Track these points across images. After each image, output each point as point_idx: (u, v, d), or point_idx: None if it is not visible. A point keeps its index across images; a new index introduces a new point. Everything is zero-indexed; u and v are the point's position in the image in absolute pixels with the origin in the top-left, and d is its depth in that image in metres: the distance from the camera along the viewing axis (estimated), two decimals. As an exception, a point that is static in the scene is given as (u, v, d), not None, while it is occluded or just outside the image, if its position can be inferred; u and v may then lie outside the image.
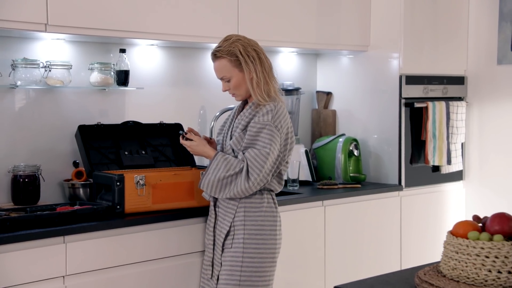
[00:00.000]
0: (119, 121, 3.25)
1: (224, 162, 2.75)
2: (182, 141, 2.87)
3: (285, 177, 3.01)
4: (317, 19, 3.76)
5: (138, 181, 2.83)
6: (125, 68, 3.24)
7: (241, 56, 2.78)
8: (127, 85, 3.26)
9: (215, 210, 2.86)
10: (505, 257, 1.55)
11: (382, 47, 3.94)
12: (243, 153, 2.75)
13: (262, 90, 2.80)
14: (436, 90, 4.05)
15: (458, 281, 1.60)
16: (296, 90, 3.98)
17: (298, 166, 3.73)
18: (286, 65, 4.11)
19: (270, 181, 2.81)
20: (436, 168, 4.05)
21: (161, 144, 3.26)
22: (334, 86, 4.21)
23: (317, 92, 4.25)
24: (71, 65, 3.06)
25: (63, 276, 2.56)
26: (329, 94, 4.22)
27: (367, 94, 4.03)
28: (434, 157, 3.94)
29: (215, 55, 2.83)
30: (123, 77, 3.25)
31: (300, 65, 4.19)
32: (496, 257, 1.55)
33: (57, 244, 2.53)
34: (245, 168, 2.71)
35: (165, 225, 2.86)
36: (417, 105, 3.90)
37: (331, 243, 3.52)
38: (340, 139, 3.95)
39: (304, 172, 3.89)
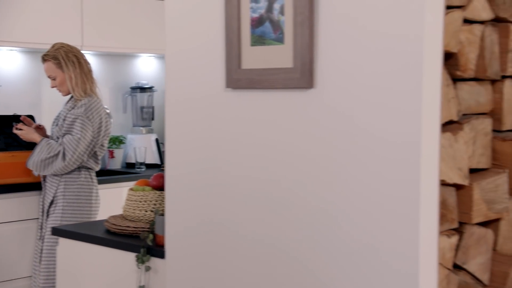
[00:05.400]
0: (-20, 113, 3.95)
1: (46, 146, 3.45)
2: (14, 130, 3.58)
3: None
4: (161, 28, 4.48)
5: (-21, 161, 3.54)
6: (-15, 70, 3.95)
7: (63, 60, 3.49)
8: (-12, 83, 3.97)
9: (44, 184, 3.57)
10: (150, 201, 2.27)
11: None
12: (62, 139, 3.46)
13: (79, 88, 3.50)
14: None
15: (127, 219, 2.33)
16: (150, 88, 4.70)
17: (144, 152, 4.45)
18: (146, 67, 4.82)
19: (87, 160, 3.51)
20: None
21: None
22: (189, 85, 4.93)
23: (175, 89, 4.97)
24: None
25: None
26: (184, 91, 4.94)
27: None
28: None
29: (43, 59, 3.54)
30: (-17, 77, 3.95)
31: (160, 67, 4.90)
32: (145, 201, 2.28)
33: None
34: (62, 151, 3.42)
35: (3, 197, 3.57)
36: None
37: (165, 215, 4.24)
38: (187, 130, 4.67)
39: (154, 156, 4.61)
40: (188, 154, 1.99)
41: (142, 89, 4.68)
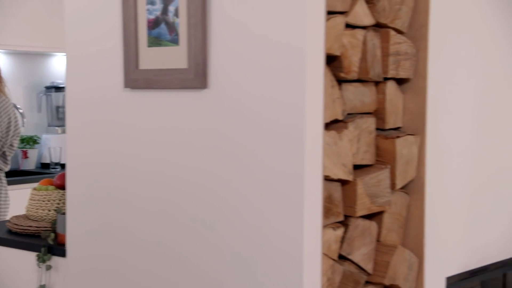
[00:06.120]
0: None
1: (-48, 146, 3.38)
2: None
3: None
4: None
5: None
6: None
7: (-31, 59, 3.42)
8: None
9: (-49, 185, 3.49)
10: (53, 200, 2.28)
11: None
12: (-31, 138, 3.39)
13: (-14, 87, 3.45)
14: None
15: (30, 219, 2.32)
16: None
17: (59, 152, 4.40)
18: (61, 66, 4.76)
19: (-5, 161, 3.47)
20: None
21: None
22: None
23: (92, 89, 4.94)
24: None
25: None
26: (101, 91, 4.91)
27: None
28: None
29: (-51, 58, 3.46)
30: None
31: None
32: (48, 201, 2.28)
33: None
34: (-32, 151, 3.36)
35: None
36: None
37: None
38: (103, 129, 4.65)
39: (70, 157, 4.56)
40: (88, 155, 2.01)
41: (58, 88, 4.62)
